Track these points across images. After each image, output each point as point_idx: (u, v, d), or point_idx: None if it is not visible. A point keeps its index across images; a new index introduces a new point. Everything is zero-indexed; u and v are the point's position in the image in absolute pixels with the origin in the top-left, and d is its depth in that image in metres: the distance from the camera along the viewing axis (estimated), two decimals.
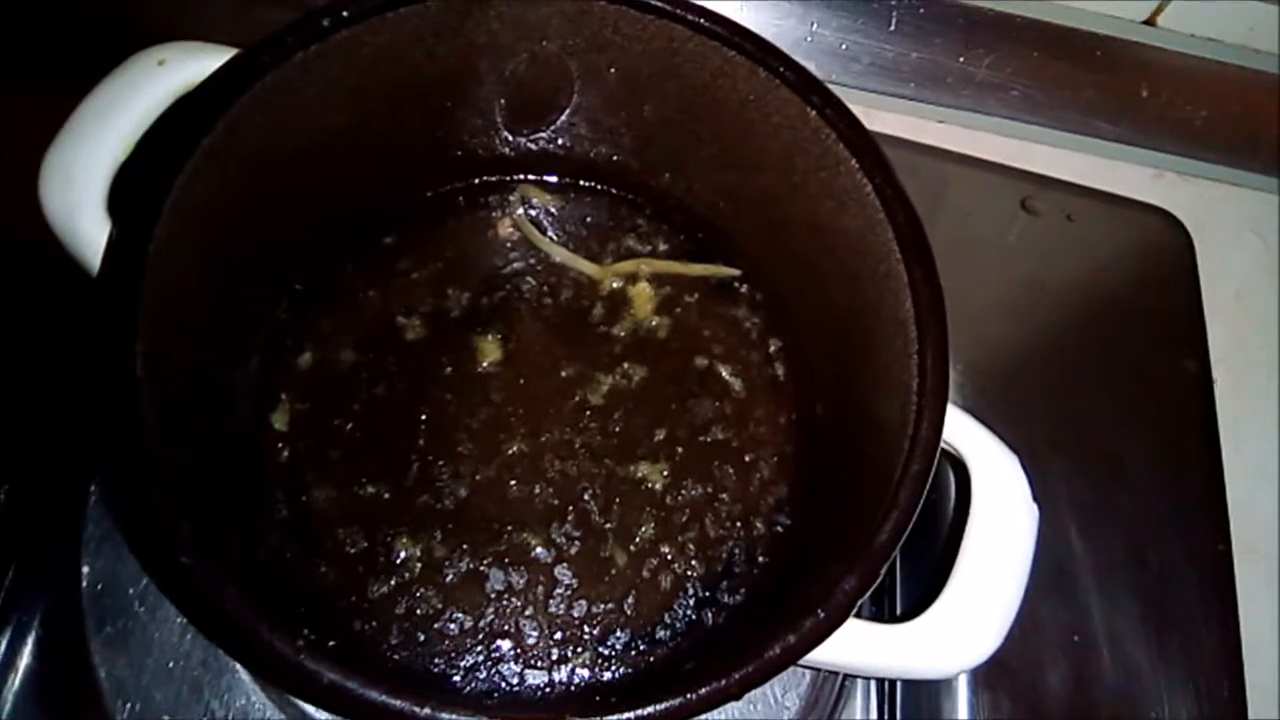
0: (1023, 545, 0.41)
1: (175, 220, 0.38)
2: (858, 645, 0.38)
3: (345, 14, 0.42)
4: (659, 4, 0.45)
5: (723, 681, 0.34)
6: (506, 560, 0.47)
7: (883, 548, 0.37)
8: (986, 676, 0.53)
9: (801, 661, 0.36)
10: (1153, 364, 0.65)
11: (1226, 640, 0.57)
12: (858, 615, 0.38)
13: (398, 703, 0.32)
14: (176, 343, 0.40)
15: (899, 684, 0.54)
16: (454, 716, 0.32)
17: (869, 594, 0.37)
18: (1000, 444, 0.43)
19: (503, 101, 0.50)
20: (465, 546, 0.47)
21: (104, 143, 0.41)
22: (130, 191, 0.39)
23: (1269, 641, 0.61)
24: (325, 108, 0.44)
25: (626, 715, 0.33)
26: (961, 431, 0.43)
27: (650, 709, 0.33)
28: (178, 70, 0.43)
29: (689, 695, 0.34)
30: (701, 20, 0.45)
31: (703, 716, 0.46)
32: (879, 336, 0.44)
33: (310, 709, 0.44)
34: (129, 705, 0.45)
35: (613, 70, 0.48)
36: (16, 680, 0.47)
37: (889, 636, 0.39)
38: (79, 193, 0.41)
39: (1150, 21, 0.71)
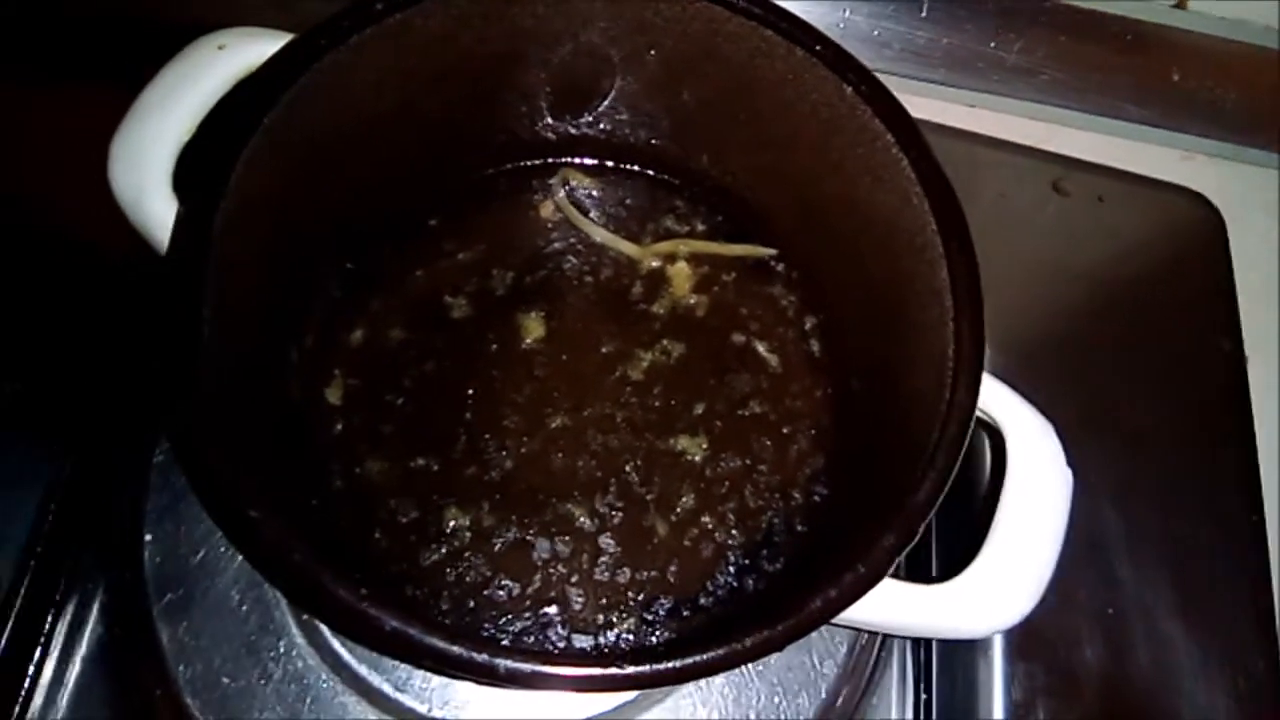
0: (1058, 508, 0.42)
1: (238, 197, 0.40)
2: (895, 604, 0.39)
3: None
4: None
5: (765, 632, 0.35)
6: (552, 530, 0.48)
7: (920, 507, 0.38)
8: (1021, 647, 0.54)
9: (841, 619, 0.37)
10: (1186, 343, 0.65)
11: (1261, 613, 0.57)
12: (895, 578, 0.39)
13: (456, 649, 0.33)
14: (238, 317, 0.41)
15: (934, 653, 0.55)
16: (510, 662, 0.33)
17: (906, 552, 0.38)
18: (1034, 411, 0.43)
19: (548, 89, 0.52)
20: (512, 517, 0.48)
21: (169, 124, 0.43)
22: (196, 169, 0.40)
23: None
24: (377, 90, 0.46)
25: (674, 664, 0.34)
26: (996, 399, 0.43)
27: (697, 658, 0.34)
28: (237, 54, 0.44)
29: (734, 645, 0.35)
30: (740, 1, 0.46)
31: (746, 679, 0.47)
32: (915, 309, 0.45)
33: (364, 671, 0.46)
34: (189, 668, 0.46)
35: (653, 53, 0.50)
36: (84, 645, 0.50)
37: (927, 596, 0.40)
38: (146, 173, 0.42)
39: (1180, 4, 0.71)
